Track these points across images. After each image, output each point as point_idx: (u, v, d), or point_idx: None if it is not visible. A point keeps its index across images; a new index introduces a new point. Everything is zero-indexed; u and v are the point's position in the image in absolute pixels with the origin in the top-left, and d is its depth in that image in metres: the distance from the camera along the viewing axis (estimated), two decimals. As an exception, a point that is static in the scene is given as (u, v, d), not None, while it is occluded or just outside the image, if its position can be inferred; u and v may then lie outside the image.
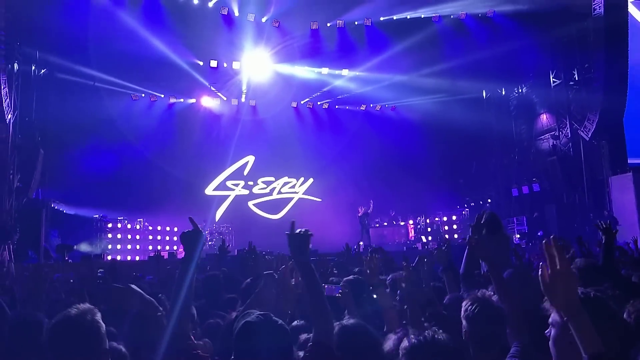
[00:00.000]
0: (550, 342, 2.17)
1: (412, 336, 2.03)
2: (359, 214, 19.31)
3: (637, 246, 6.90)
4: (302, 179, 21.81)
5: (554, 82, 19.72)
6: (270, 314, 2.24)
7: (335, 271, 6.84)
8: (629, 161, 17.43)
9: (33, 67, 17.44)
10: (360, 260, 6.83)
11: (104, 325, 2.25)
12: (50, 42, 16.52)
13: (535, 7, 16.75)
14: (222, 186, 20.98)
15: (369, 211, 19.20)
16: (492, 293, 2.80)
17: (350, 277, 4.29)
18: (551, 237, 1.90)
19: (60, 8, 15.29)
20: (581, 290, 2.09)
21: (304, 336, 2.83)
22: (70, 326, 2.16)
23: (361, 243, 16.76)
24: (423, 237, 20.13)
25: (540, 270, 1.90)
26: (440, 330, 2.04)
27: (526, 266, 5.78)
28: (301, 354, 2.49)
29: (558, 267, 1.84)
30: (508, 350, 2.60)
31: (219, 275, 5.16)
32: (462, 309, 2.69)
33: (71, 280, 7.01)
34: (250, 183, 21.41)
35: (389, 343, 2.51)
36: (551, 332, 2.17)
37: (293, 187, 21.89)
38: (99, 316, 2.25)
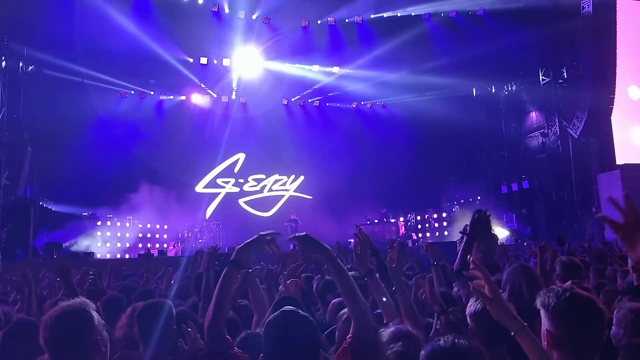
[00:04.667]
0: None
1: (435, 341, 2.00)
2: (289, 217, 19.39)
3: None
4: (292, 176, 21.80)
5: (543, 80, 19.86)
6: (297, 310, 2.23)
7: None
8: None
9: (21, 64, 17.27)
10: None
11: (97, 315, 2.27)
12: (38, 38, 16.34)
13: (524, 6, 16.83)
14: (212, 184, 20.91)
15: (299, 224, 19.24)
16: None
17: (352, 273, 4.27)
18: (471, 266, 2.06)
19: (48, 4, 15.15)
20: (567, 288, 2.11)
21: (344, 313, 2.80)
22: (61, 318, 2.20)
23: (351, 240, 16.75)
24: (413, 234, 20.21)
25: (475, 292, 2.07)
26: (465, 337, 2.02)
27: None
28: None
29: (488, 295, 2.01)
30: (515, 347, 2.59)
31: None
32: (467, 307, 2.69)
33: (58, 279, 6.93)
34: (241, 181, 21.36)
35: (383, 335, 2.50)
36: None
37: (284, 184, 21.87)
38: (91, 307, 2.27)
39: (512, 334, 1.95)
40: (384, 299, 3.19)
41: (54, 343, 2.17)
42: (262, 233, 2.71)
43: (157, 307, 2.90)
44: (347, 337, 2.45)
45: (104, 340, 2.26)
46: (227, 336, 2.54)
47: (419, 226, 20.87)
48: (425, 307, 4.08)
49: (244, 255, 2.68)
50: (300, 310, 2.20)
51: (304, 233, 2.64)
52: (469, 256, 3.80)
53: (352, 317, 2.47)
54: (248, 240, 2.70)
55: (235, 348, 2.54)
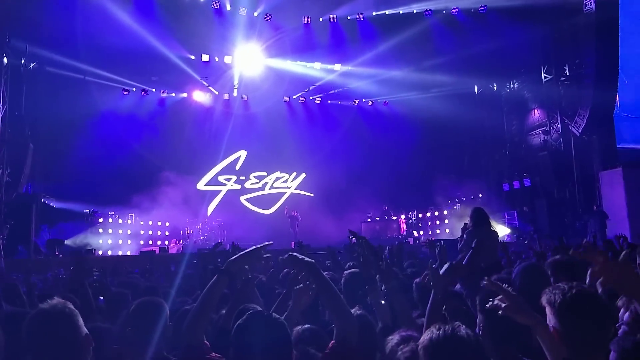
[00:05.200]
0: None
1: (432, 330, 1.99)
2: (290, 214, 19.47)
3: (626, 241, 7.01)
4: (294, 174, 21.80)
5: (545, 77, 19.82)
6: (266, 311, 2.24)
7: (328, 263, 6.87)
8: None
9: (22, 61, 17.28)
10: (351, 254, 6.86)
11: (77, 313, 2.28)
12: (40, 35, 16.34)
13: (526, 3, 16.78)
14: (214, 181, 20.92)
15: (298, 220, 19.34)
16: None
17: (352, 270, 4.29)
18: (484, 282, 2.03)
19: (50, 1, 15.15)
20: (573, 285, 2.10)
21: (298, 329, 2.84)
22: (43, 319, 2.21)
23: (352, 237, 16.72)
24: (414, 232, 20.21)
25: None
26: (462, 325, 2.01)
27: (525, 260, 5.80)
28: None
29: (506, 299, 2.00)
30: (526, 347, 2.58)
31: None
32: (478, 302, 2.69)
33: (61, 276, 6.97)
34: (242, 178, 21.37)
35: (390, 343, 2.50)
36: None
37: (285, 182, 21.87)
38: (71, 305, 2.28)
39: (531, 328, 1.94)
40: (381, 306, 3.24)
41: (41, 344, 2.18)
42: (256, 247, 2.71)
43: (150, 305, 2.89)
44: (330, 343, 2.45)
45: (88, 338, 2.26)
46: (206, 342, 2.52)
47: (420, 224, 20.87)
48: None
49: (236, 267, 2.67)
50: (268, 312, 2.22)
51: (287, 254, 2.65)
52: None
53: (336, 326, 2.47)
54: (242, 253, 2.70)
55: (213, 353, 2.53)
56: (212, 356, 2.51)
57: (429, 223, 20.95)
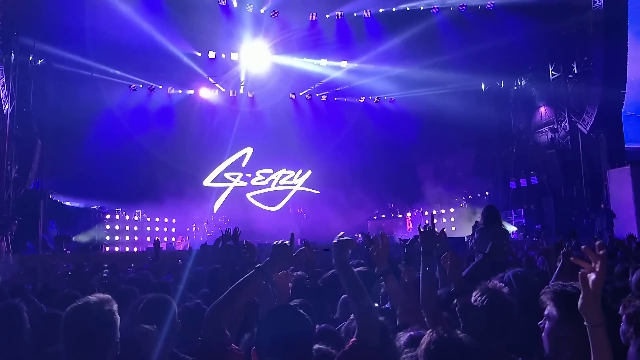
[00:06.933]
0: (543, 334, 2.19)
1: (429, 336, 1.99)
2: (296, 210, 19.66)
3: (634, 240, 6.97)
4: (300, 171, 21.80)
5: (553, 75, 19.70)
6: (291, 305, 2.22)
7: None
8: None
9: (30, 58, 17.36)
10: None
11: (119, 317, 2.29)
12: (48, 32, 16.42)
13: (534, 0, 16.69)
14: (220, 178, 20.96)
15: (304, 217, 19.50)
16: (503, 285, 2.79)
17: (359, 269, 4.28)
18: (598, 242, 1.83)
19: (57, -2, 15.22)
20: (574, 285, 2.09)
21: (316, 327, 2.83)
22: (88, 313, 2.21)
23: (358, 235, 16.73)
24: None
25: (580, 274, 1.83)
26: (459, 331, 2.00)
27: (525, 264, 5.79)
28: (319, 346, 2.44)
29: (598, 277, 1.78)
30: (516, 345, 2.57)
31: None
32: (472, 298, 2.70)
33: (70, 273, 6.99)
34: (249, 175, 21.39)
35: (401, 340, 2.49)
36: (545, 324, 2.18)
37: (291, 179, 21.88)
38: (115, 307, 2.29)
39: (587, 325, 1.79)
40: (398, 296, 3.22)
41: (75, 333, 2.19)
42: (279, 244, 2.63)
43: (161, 303, 2.90)
44: (351, 340, 2.41)
45: (117, 345, 2.28)
46: (227, 332, 2.48)
47: (427, 221, 20.83)
48: None
49: (272, 269, 2.63)
50: (295, 306, 2.20)
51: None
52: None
53: (358, 325, 2.43)
54: (270, 260, 2.62)
55: (232, 345, 2.49)
56: (233, 348, 2.47)
57: (435, 221, 20.85)
